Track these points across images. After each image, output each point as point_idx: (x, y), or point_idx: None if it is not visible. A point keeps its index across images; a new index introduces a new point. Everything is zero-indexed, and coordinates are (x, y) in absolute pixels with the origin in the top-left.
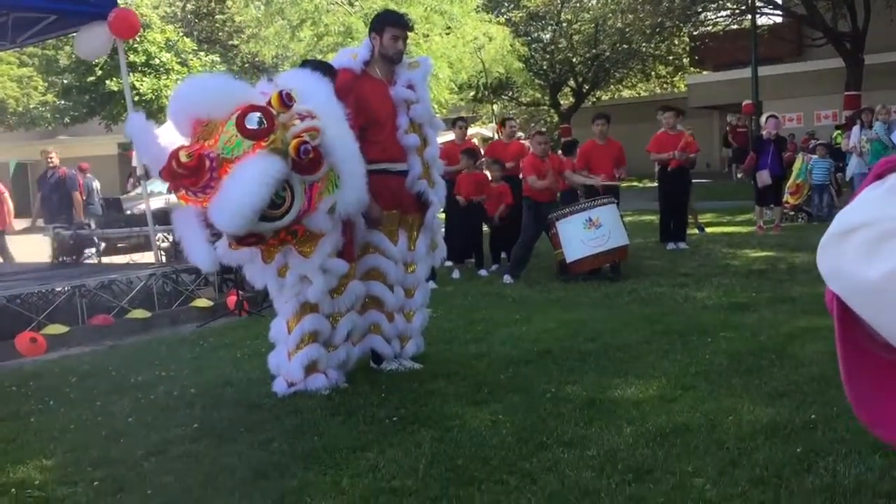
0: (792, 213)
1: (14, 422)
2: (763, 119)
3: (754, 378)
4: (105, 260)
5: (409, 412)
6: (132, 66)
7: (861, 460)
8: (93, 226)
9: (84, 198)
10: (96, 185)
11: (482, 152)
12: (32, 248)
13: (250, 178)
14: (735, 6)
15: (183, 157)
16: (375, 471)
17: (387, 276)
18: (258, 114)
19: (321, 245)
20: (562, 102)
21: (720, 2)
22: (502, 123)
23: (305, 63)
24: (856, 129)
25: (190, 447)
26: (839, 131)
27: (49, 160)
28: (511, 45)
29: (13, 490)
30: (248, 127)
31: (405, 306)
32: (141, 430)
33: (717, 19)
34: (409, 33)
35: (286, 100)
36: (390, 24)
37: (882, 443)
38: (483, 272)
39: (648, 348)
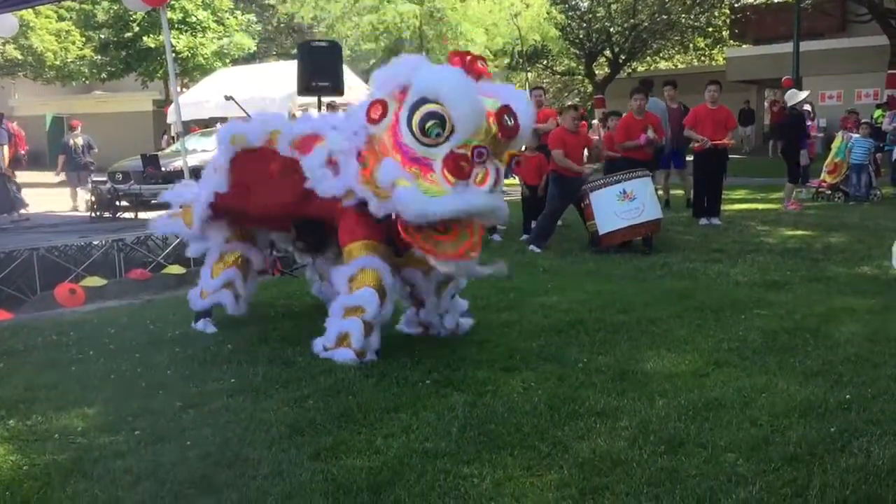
0: (829, 192)
1: (56, 369)
2: (788, 95)
3: (788, 356)
4: (142, 216)
5: (441, 376)
6: (169, 23)
7: None
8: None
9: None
10: (79, 141)
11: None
12: None
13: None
14: None
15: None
16: (409, 432)
17: None
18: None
19: None
20: (597, 72)
21: None
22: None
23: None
24: None
25: (227, 401)
26: (880, 110)
27: None
28: (548, 13)
29: (56, 436)
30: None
31: None
32: (179, 383)
33: None
34: None
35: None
36: None
37: None
38: (496, 237)
39: (681, 323)
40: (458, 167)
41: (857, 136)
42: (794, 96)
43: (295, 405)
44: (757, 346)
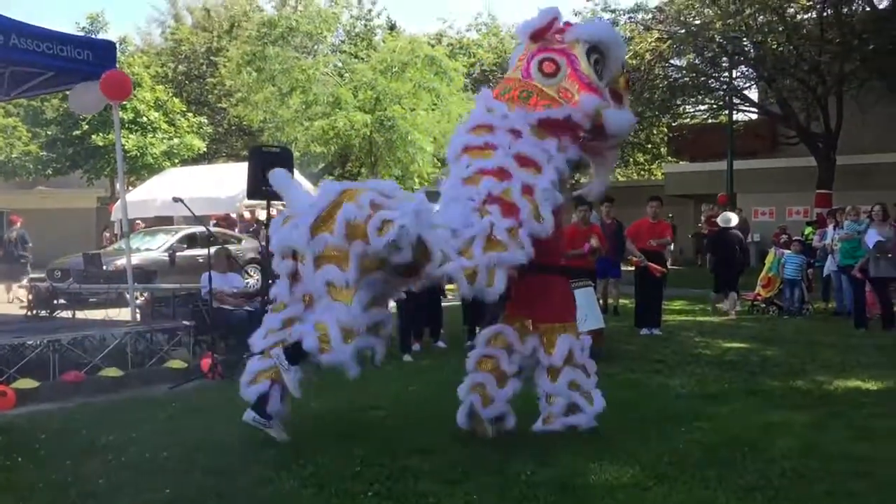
0: (763, 305)
1: None
2: (722, 219)
3: (727, 470)
4: (80, 315)
5: (382, 488)
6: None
7: None
8: None
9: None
10: (13, 235)
11: None
12: None
13: None
14: (713, 102)
15: None
16: None
17: None
18: None
19: None
20: None
21: (699, 97)
22: None
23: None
24: (829, 228)
25: None
26: (811, 228)
27: None
28: None
29: None
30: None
31: None
32: (111, 494)
33: (696, 113)
34: (396, 105)
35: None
36: None
37: None
38: (440, 343)
39: (623, 435)
40: (619, 96)
41: (789, 252)
42: (728, 221)
43: None
44: (697, 460)
